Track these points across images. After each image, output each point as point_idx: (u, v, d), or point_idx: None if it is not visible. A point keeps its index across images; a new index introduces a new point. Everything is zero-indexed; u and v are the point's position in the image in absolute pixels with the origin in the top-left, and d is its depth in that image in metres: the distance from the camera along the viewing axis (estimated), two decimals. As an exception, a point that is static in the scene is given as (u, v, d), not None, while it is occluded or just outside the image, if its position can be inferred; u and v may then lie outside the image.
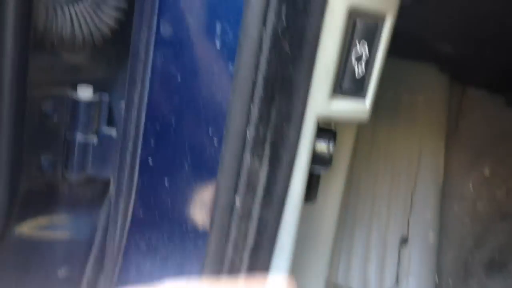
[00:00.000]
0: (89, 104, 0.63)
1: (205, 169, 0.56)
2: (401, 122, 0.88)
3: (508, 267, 1.01)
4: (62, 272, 0.72)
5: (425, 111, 0.90)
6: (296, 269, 0.65)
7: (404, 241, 0.84)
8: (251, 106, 0.47)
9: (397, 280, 0.82)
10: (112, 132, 0.65)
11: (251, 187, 0.50)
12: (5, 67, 0.52)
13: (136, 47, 0.58)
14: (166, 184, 0.59)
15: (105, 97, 0.64)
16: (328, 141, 0.53)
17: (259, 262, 0.53)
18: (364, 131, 0.83)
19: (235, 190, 0.50)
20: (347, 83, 0.48)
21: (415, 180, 0.88)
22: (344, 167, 0.63)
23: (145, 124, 0.59)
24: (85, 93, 0.63)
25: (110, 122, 0.66)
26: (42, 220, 0.72)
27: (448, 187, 1.03)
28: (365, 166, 0.87)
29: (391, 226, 0.85)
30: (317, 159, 0.53)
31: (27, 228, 0.70)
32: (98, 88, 0.63)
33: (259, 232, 0.52)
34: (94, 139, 0.65)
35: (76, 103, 0.63)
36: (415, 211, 0.86)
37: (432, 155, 0.90)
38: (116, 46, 0.62)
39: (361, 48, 0.47)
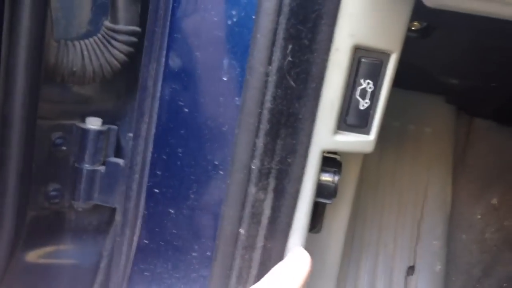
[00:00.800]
0: (98, 135, 0.64)
1: (210, 200, 0.56)
2: (408, 152, 0.89)
3: (517, 298, 1.00)
4: (67, 300, 0.72)
5: (432, 142, 0.90)
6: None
7: (410, 270, 0.84)
8: (256, 140, 0.47)
9: (403, 311, 0.81)
10: (120, 162, 0.66)
11: (255, 217, 0.50)
12: (16, 99, 0.53)
13: (145, 80, 0.59)
14: (172, 213, 0.60)
15: (113, 128, 0.66)
16: (333, 172, 0.54)
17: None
18: (370, 161, 0.83)
19: (240, 220, 0.50)
20: (351, 118, 0.48)
21: (422, 210, 0.87)
22: (349, 196, 0.63)
23: (152, 154, 0.60)
24: (94, 124, 0.64)
25: (118, 152, 0.67)
26: (48, 248, 0.72)
27: (456, 216, 1.02)
28: (371, 195, 0.87)
29: (398, 255, 0.85)
30: (322, 190, 0.54)
31: (33, 256, 0.71)
32: (106, 119, 0.65)
33: (263, 263, 0.52)
34: (101, 169, 0.66)
35: (85, 133, 0.64)
36: (422, 240, 0.86)
37: (439, 186, 0.90)
38: (125, 79, 0.63)
39: (366, 84, 0.48)
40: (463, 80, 0.79)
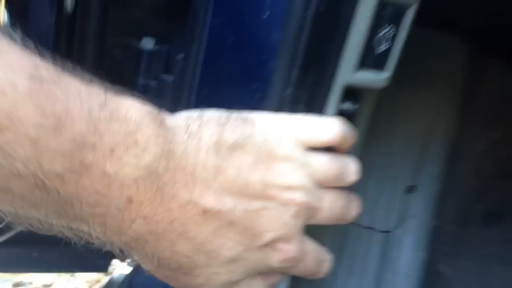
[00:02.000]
0: (151, 54, 0.74)
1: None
2: (421, 85, 0.98)
3: (505, 220, 1.13)
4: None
5: (444, 77, 0.98)
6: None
7: (411, 189, 0.96)
8: (291, 72, 0.58)
9: (400, 221, 0.95)
10: (169, 78, 0.77)
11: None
12: (92, 20, 0.63)
13: (197, 8, 0.69)
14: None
15: (165, 48, 0.76)
16: (352, 102, 0.64)
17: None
18: (385, 97, 0.93)
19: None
20: (371, 59, 0.58)
21: (428, 138, 0.98)
22: (364, 123, 0.74)
23: (201, 74, 0.71)
24: (148, 44, 0.74)
25: (168, 70, 0.77)
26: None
27: (459, 145, 1.13)
28: (385, 122, 0.97)
29: (401, 177, 0.97)
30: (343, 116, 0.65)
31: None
32: (160, 40, 0.74)
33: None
34: (153, 83, 0.77)
35: (140, 52, 0.74)
36: (423, 164, 0.97)
37: (446, 117, 0.99)
38: (178, 5, 0.72)
39: (387, 30, 0.57)
40: (479, 19, 0.86)
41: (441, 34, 0.96)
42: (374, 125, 0.96)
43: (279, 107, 0.61)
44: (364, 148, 0.96)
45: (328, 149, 0.60)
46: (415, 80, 0.98)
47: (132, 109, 0.43)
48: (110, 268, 0.90)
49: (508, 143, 1.15)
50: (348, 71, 0.58)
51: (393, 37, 0.57)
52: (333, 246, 0.89)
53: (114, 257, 0.91)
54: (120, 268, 0.96)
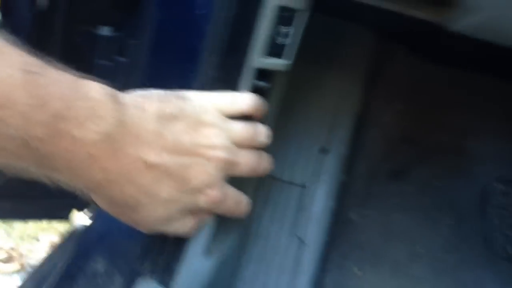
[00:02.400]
0: (108, 39, 0.91)
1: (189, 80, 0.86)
2: (333, 65, 1.19)
3: (404, 177, 1.38)
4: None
5: (352, 59, 1.19)
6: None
7: (323, 150, 1.18)
8: (213, 57, 0.77)
9: (314, 176, 1.17)
10: (123, 59, 0.94)
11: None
12: (60, 12, 0.79)
13: (146, 2, 0.86)
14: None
15: (120, 35, 0.92)
16: (265, 81, 0.84)
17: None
18: (303, 74, 1.14)
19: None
20: (274, 49, 0.78)
21: (338, 107, 1.20)
22: (276, 99, 0.94)
23: (147, 55, 0.89)
24: (105, 31, 0.91)
25: (122, 53, 0.94)
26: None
27: (369, 116, 1.36)
28: (302, 96, 1.18)
29: (316, 139, 1.17)
30: (257, 93, 0.85)
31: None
32: (115, 28, 0.91)
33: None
34: (109, 64, 0.94)
35: (98, 37, 0.91)
36: (335, 129, 1.19)
37: (354, 92, 1.20)
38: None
39: (285, 28, 0.77)
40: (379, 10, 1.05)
41: (350, 23, 1.17)
42: (294, 98, 1.18)
43: (205, 85, 0.80)
44: (287, 117, 1.17)
45: (245, 118, 0.79)
46: (327, 62, 1.19)
47: (95, 90, 0.58)
48: (70, 216, 1.08)
49: (410, 114, 1.39)
50: (257, 58, 0.78)
51: (290, 34, 0.77)
52: (257, 198, 1.11)
53: (73, 207, 1.09)
54: (80, 218, 1.13)
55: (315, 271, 1.17)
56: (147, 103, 0.65)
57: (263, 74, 0.83)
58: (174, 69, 0.86)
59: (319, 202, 1.17)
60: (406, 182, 1.38)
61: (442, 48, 1.12)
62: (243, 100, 0.78)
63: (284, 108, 1.14)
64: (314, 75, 1.17)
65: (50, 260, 1.02)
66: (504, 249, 1.05)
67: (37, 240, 2.24)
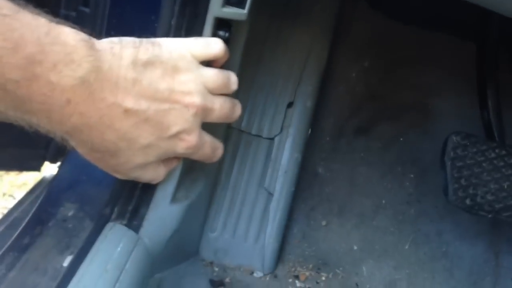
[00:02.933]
0: (71, -11, 0.92)
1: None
2: (300, 22, 1.21)
3: (370, 133, 1.43)
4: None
5: (319, 16, 1.22)
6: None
7: (290, 105, 1.21)
8: (175, 7, 0.79)
9: (281, 130, 1.21)
10: (86, 10, 0.95)
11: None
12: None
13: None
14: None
15: (83, -15, 0.93)
16: (225, 30, 0.86)
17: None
18: (270, 29, 1.16)
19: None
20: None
21: (305, 63, 1.22)
22: (239, 48, 0.97)
23: (110, 5, 0.90)
24: (68, -19, 0.92)
25: (86, 3, 0.95)
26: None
27: (336, 73, 1.40)
28: (270, 51, 1.21)
29: (283, 94, 1.20)
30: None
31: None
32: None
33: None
34: (73, 14, 0.95)
35: (62, -13, 0.92)
36: (301, 85, 1.22)
37: (320, 49, 1.23)
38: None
39: (243, -23, 0.79)
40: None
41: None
42: (261, 53, 1.20)
43: (169, 34, 0.82)
44: (254, 71, 1.20)
45: (208, 64, 0.82)
46: (294, 17, 1.21)
47: (70, 36, 0.58)
48: (42, 168, 1.10)
49: (375, 71, 1.43)
50: (217, 7, 0.80)
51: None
52: (225, 150, 1.14)
53: (45, 159, 1.11)
54: (50, 169, 1.16)
55: (282, 221, 1.22)
56: (123, 50, 0.64)
57: (222, 23, 0.85)
58: (137, 19, 0.87)
59: (286, 154, 1.21)
60: (371, 137, 1.43)
61: (395, 2, 1.15)
62: (216, 44, 0.79)
63: (251, 62, 1.17)
64: (281, 31, 1.20)
65: (20, 207, 1.05)
66: (462, 201, 1.11)
67: (13, 197, 2.25)
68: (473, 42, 1.28)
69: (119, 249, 0.78)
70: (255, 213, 1.21)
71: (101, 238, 0.79)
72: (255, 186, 1.21)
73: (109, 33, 0.92)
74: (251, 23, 0.93)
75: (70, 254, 0.84)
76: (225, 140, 1.16)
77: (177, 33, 0.81)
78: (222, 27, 0.86)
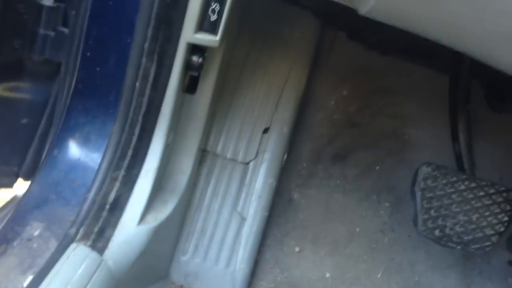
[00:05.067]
0: (51, 9, 0.93)
1: (123, 64, 0.89)
2: (278, 49, 1.23)
3: (347, 160, 1.43)
4: (24, 121, 1.05)
5: (299, 44, 1.24)
6: (176, 138, 1.01)
7: (266, 130, 1.22)
8: (148, 31, 0.80)
9: (256, 155, 1.22)
10: (65, 30, 0.96)
11: (145, 77, 0.84)
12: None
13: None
14: (98, 70, 0.93)
15: (62, 6, 0.94)
16: (198, 56, 0.88)
17: (149, 123, 0.89)
18: (250, 55, 1.18)
19: (135, 78, 0.84)
20: (205, 25, 0.81)
21: (282, 91, 1.24)
22: (214, 74, 0.98)
23: (88, 27, 0.92)
24: (48, 1, 0.92)
25: (65, 23, 0.96)
26: (12, 84, 1.03)
27: (316, 101, 1.41)
28: (249, 75, 1.22)
29: (259, 119, 1.22)
30: (191, 66, 0.88)
31: (1, 89, 1.02)
32: (57, -1, 0.93)
33: (149, 104, 0.87)
34: (52, 34, 0.95)
35: (41, 7, 0.92)
36: (277, 111, 1.23)
37: (298, 76, 1.25)
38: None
39: (214, 6, 0.80)
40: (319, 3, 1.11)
41: (296, 8, 1.22)
42: (239, 78, 1.22)
43: (141, 56, 0.83)
44: (231, 96, 1.21)
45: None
46: (274, 44, 1.23)
47: None
48: (15, 185, 1.09)
49: (354, 99, 1.45)
50: (189, 32, 0.81)
51: (219, 12, 0.81)
52: (200, 172, 1.15)
53: (18, 176, 1.10)
54: (22, 187, 1.14)
55: (254, 246, 1.21)
56: None
57: (196, 48, 0.86)
58: (112, 40, 0.88)
59: (260, 179, 1.22)
60: (348, 164, 1.44)
61: (370, 34, 1.18)
62: None
63: (229, 86, 1.18)
64: (260, 57, 1.22)
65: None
66: (431, 231, 1.12)
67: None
68: (446, 75, 1.30)
69: (80, 271, 0.77)
70: (228, 236, 1.21)
71: (63, 259, 0.79)
72: (228, 209, 1.21)
73: (85, 54, 0.93)
74: (229, 49, 0.94)
75: (32, 274, 0.83)
76: (200, 162, 1.16)
77: (150, 57, 0.82)
78: (196, 52, 0.87)
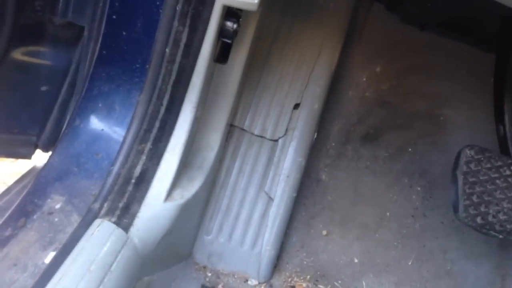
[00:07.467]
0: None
1: (151, 28, 0.83)
2: (312, 20, 1.15)
3: (377, 141, 1.37)
4: (44, 88, 1.00)
5: (333, 15, 1.16)
6: (205, 111, 0.95)
7: (296, 106, 1.16)
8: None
9: (285, 132, 1.15)
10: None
11: (176, 42, 0.78)
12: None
13: None
14: (124, 34, 0.86)
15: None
16: (233, 22, 0.81)
17: (178, 93, 0.83)
18: (282, 26, 1.11)
19: (166, 43, 0.78)
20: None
21: (314, 66, 1.17)
22: (247, 43, 0.91)
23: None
24: None
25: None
26: (32, 48, 0.97)
27: (347, 77, 1.34)
28: (278, 51, 1.15)
29: (290, 95, 1.15)
30: (224, 33, 0.81)
31: (21, 52, 0.96)
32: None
33: (179, 72, 0.81)
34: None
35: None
36: (309, 87, 1.16)
37: (331, 50, 1.17)
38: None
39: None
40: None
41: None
42: (270, 51, 1.15)
43: (173, 19, 0.76)
44: (261, 70, 1.14)
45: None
46: (307, 13, 1.15)
47: None
48: (33, 156, 1.04)
49: (387, 77, 1.37)
50: (226, -6, 0.74)
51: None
52: (226, 149, 1.09)
53: (37, 147, 1.05)
54: (41, 158, 1.09)
55: (281, 228, 1.16)
56: None
57: (231, 13, 0.79)
58: (140, 1, 0.82)
59: (289, 158, 1.15)
60: (379, 146, 1.37)
61: (414, 4, 1.09)
62: None
63: (258, 60, 1.11)
64: (292, 28, 1.14)
65: (5, 196, 0.99)
66: (472, 219, 1.05)
67: (6, 184, 2.18)
68: (493, 53, 1.22)
69: (105, 248, 0.72)
70: (254, 217, 1.15)
71: (87, 235, 0.74)
72: (255, 188, 1.15)
73: (110, 17, 0.87)
74: (262, 17, 0.87)
75: (53, 250, 0.78)
76: (227, 138, 1.10)
77: (182, 20, 0.75)
78: (231, 17, 0.80)
